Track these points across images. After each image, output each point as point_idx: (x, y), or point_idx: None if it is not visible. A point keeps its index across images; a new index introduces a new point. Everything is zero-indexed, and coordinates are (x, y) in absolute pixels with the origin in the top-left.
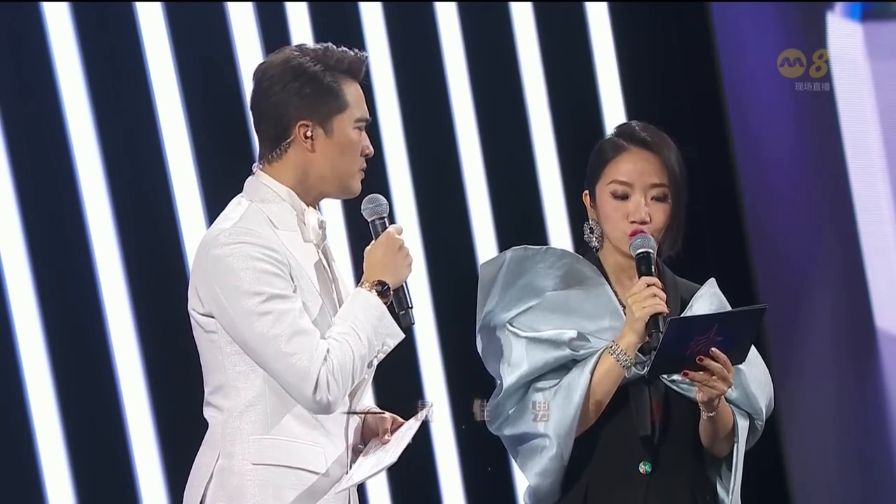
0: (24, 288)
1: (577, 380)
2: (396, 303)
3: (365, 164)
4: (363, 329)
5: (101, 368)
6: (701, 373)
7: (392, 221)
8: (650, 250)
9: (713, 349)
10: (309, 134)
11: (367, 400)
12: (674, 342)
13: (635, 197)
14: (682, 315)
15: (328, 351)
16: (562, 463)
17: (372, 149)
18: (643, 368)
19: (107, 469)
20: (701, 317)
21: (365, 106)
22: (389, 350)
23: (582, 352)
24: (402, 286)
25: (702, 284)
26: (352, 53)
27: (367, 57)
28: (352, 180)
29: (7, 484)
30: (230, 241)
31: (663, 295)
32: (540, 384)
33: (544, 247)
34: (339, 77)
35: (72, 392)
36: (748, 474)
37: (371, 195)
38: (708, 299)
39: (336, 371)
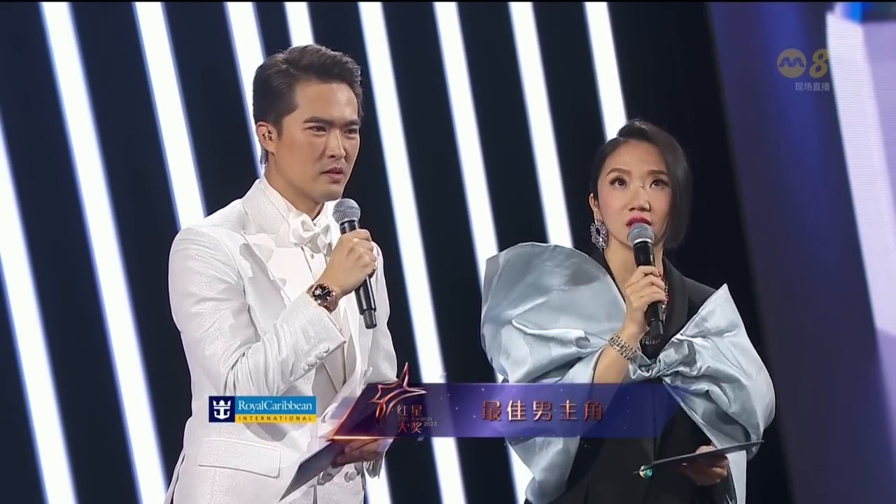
0: (24, 288)
1: (581, 374)
2: (357, 304)
3: (334, 165)
4: (288, 333)
5: (101, 368)
6: (694, 472)
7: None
8: (648, 240)
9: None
10: (267, 135)
11: None
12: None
13: (633, 184)
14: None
15: (243, 355)
16: (568, 457)
17: (339, 151)
18: (648, 371)
19: (107, 469)
20: (689, 457)
21: (325, 106)
22: (328, 353)
23: (587, 349)
24: (364, 287)
25: (706, 285)
26: (320, 52)
27: (339, 55)
28: (312, 183)
29: (7, 484)
30: (176, 244)
31: (661, 283)
32: (544, 381)
33: (552, 245)
34: (298, 76)
35: (72, 392)
36: (749, 473)
37: (342, 199)
38: (720, 313)
39: (243, 376)
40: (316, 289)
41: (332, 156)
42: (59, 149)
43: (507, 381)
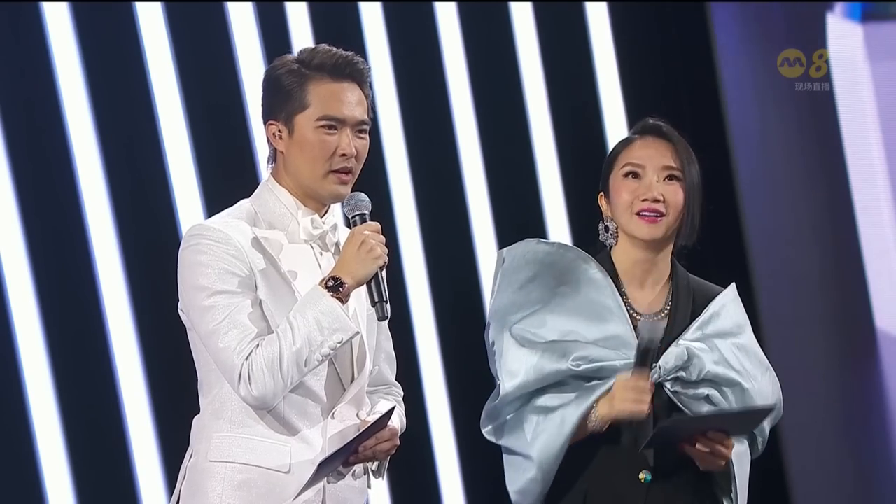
0: (24, 288)
1: (571, 417)
2: (369, 297)
3: (344, 165)
4: (302, 326)
5: (101, 368)
6: (697, 449)
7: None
8: (655, 344)
9: (711, 433)
10: (277, 134)
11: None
12: (666, 437)
13: (648, 177)
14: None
15: (257, 346)
16: (541, 487)
17: (351, 150)
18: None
19: (107, 469)
20: (695, 418)
21: (338, 105)
22: (341, 344)
23: (583, 367)
24: (376, 280)
25: (714, 285)
26: (332, 52)
27: (352, 55)
28: (322, 182)
29: (7, 484)
30: (187, 239)
31: (648, 398)
32: (539, 402)
33: (558, 243)
34: (310, 75)
35: (72, 392)
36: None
37: (353, 193)
38: (725, 314)
39: (257, 367)
40: (328, 280)
41: (343, 154)
42: (59, 149)
43: (500, 391)
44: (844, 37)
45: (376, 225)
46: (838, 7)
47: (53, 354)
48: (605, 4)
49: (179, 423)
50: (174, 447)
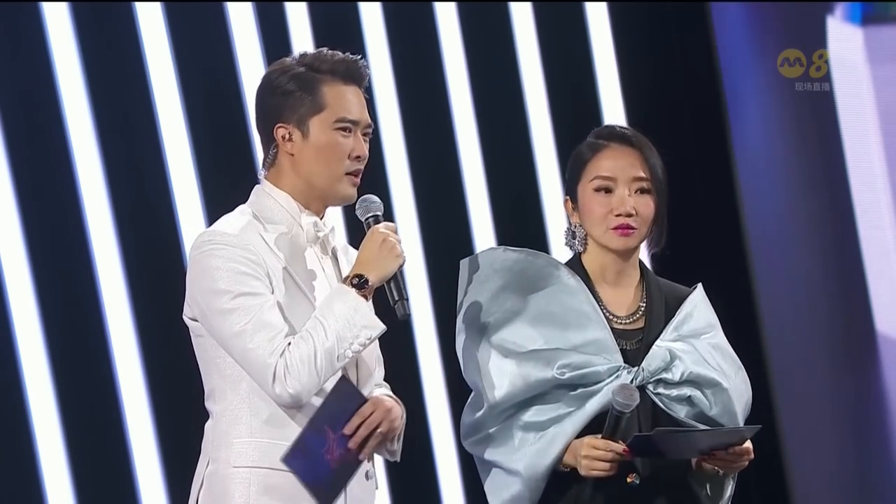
0: (24, 288)
1: (561, 436)
2: (388, 295)
3: (357, 167)
4: (332, 322)
5: (101, 368)
6: (717, 460)
7: (389, 220)
8: (627, 412)
9: (714, 453)
10: (287, 137)
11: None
12: (646, 445)
13: (619, 190)
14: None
15: (290, 344)
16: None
17: (364, 152)
18: (632, 381)
19: (107, 469)
20: (676, 434)
21: (352, 107)
22: (370, 341)
23: (568, 375)
24: (396, 278)
25: (681, 285)
26: (340, 55)
27: (360, 58)
28: (337, 184)
29: (7, 484)
30: (203, 244)
31: (607, 466)
32: (526, 417)
33: (526, 251)
34: (321, 78)
35: (72, 392)
36: (748, 476)
37: (365, 195)
38: (697, 314)
39: (293, 364)
40: (353, 278)
41: (358, 157)
42: (59, 149)
43: (484, 404)
44: (844, 39)
45: (393, 225)
46: (838, 10)
47: (53, 354)
48: (604, 4)
49: (179, 423)
50: (174, 447)
